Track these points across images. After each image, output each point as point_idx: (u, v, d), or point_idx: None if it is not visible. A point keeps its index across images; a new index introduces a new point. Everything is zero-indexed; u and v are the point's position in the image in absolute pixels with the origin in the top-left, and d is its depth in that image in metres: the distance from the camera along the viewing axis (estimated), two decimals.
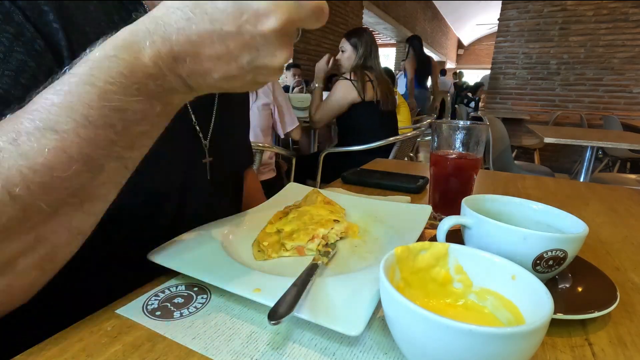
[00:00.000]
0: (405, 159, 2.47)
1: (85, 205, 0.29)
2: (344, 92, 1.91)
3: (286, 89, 3.46)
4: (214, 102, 0.56)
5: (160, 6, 0.27)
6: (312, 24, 0.28)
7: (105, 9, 0.42)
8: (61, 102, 0.26)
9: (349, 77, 1.90)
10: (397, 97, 3.10)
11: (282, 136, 1.87)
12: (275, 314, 0.29)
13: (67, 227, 0.29)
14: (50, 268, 0.31)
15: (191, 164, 0.52)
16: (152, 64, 0.27)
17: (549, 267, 0.34)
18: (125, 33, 0.27)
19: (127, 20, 0.36)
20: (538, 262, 0.33)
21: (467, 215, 0.38)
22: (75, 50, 0.37)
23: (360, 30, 2.01)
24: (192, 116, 0.51)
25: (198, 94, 0.31)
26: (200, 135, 0.52)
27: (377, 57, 1.98)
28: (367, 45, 1.94)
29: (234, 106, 0.62)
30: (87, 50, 0.28)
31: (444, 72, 8.67)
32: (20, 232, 0.27)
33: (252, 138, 1.66)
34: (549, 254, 0.33)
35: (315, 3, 0.27)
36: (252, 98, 1.68)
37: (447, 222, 0.38)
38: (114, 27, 0.32)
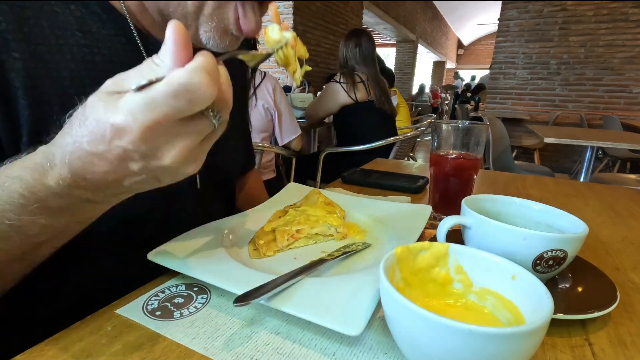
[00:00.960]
0: (405, 159, 2.47)
1: None
2: (332, 95, 1.93)
3: (287, 89, 3.46)
4: None
5: (65, 125, 0.28)
6: (190, 109, 0.24)
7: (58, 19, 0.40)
8: None
9: (337, 80, 1.90)
10: (396, 96, 3.10)
11: (281, 144, 1.79)
12: (245, 297, 0.30)
13: None
14: None
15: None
16: (55, 184, 0.27)
17: (549, 267, 0.34)
18: (37, 155, 0.28)
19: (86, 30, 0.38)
20: (538, 262, 0.33)
21: (467, 215, 0.38)
22: (28, 67, 0.36)
23: (352, 32, 1.99)
24: None
25: (111, 204, 0.32)
26: None
27: (369, 57, 1.94)
28: (354, 47, 1.92)
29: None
30: (5, 162, 0.29)
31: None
32: None
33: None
34: (549, 254, 0.33)
35: (171, 88, 0.23)
36: (251, 102, 1.65)
37: (447, 222, 0.38)
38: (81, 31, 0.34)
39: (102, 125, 0.24)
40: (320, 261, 0.39)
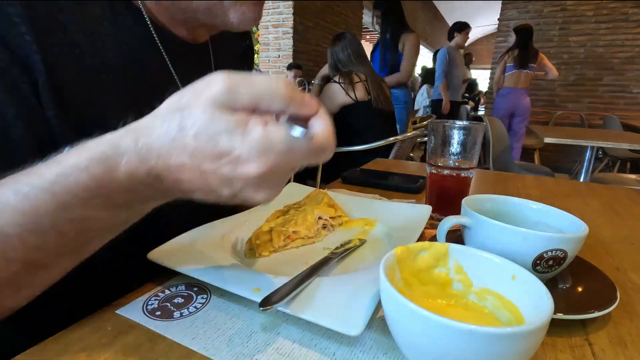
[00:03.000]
0: (406, 159, 2.47)
1: (23, 292, 0.29)
2: (330, 96, 1.93)
3: None
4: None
5: (147, 117, 0.26)
6: (311, 161, 0.27)
7: (88, 10, 0.39)
8: (15, 205, 0.25)
9: (337, 80, 1.91)
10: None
11: None
12: (266, 301, 0.30)
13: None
14: None
15: None
16: (126, 179, 0.26)
17: (549, 267, 0.34)
18: (104, 145, 0.26)
19: (113, 21, 0.38)
20: (538, 262, 0.33)
21: (467, 216, 0.38)
22: (50, 63, 0.34)
23: (335, 37, 2.01)
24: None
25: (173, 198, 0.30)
26: None
27: (362, 55, 1.97)
28: (344, 49, 1.94)
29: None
30: (66, 149, 0.27)
31: None
32: None
33: None
34: (549, 254, 0.33)
35: (314, 145, 0.26)
36: None
37: (447, 222, 0.38)
38: (100, 28, 0.34)
39: (220, 147, 0.24)
40: (326, 260, 0.40)
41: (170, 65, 0.45)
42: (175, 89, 0.45)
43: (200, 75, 0.53)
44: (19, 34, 0.33)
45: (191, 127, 0.24)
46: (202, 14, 0.41)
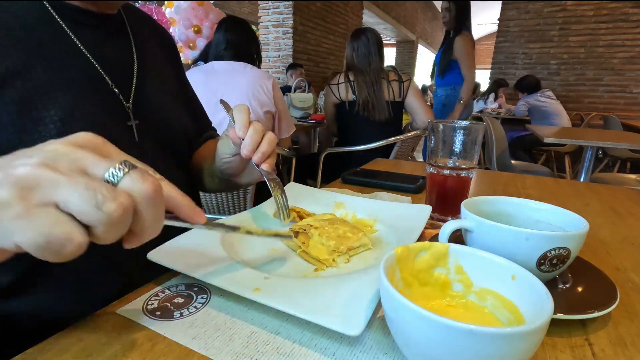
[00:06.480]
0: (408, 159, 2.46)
1: None
2: (326, 96, 1.98)
3: (287, 89, 3.46)
4: (133, 63, 0.55)
5: None
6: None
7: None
8: None
9: (330, 82, 1.95)
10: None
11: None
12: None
13: None
14: None
15: (115, 128, 0.49)
16: None
17: (554, 266, 0.34)
18: None
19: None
20: (542, 261, 0.33)
21: (468, 219, 0.38)
22: None
23: (355, 32, 1.96)
24: (108, 79, 0.50)
25: None
26: (121, 98, 0.51)
27: (367, 57, 1.87)
28: (354, 47, 1.90)
29: (159, 69, 0.61)
30: None
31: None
32: None
33: None
34: (553, 252, 0.33)
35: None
36: (255, 103, 1.62)
37: (449, 226, 0.37)
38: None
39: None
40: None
41: (70, 34, 0.46)
42: (82, 56, 0.48)
43: (118, 43, 0.56)
44: None
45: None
46: None
